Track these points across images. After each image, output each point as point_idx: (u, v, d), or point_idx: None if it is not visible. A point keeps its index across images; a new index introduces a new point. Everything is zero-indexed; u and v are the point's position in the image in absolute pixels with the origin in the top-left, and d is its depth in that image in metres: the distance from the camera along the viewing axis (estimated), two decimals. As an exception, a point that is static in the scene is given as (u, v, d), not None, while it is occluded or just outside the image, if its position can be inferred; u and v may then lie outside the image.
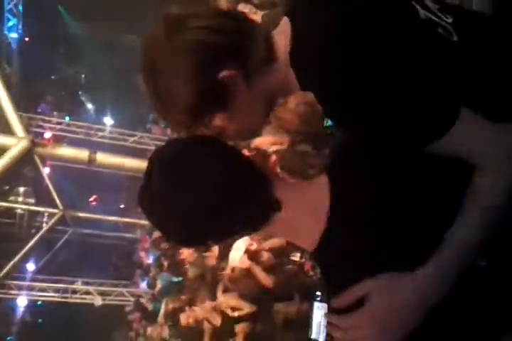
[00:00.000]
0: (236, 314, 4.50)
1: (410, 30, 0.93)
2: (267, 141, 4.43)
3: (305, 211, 0.99)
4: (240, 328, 4.46)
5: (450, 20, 1.00)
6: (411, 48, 0.90)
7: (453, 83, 0.92)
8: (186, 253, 6.08)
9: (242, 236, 1.03)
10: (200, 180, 0.92)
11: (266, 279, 4.26)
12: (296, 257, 4.11)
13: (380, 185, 0.96)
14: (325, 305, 2.47)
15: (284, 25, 0.99)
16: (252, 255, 4.31)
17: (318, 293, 2.55)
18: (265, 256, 4.33)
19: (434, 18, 0.98)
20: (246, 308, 4.45)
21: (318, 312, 2.57)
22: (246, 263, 4.30)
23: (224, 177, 0.93)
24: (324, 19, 0.92)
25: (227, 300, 4.72)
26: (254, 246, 4.27)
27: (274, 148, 4.60)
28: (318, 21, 0.93)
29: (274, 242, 4.27)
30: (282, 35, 0.97)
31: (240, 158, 0.99)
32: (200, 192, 0.91)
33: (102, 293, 10.64)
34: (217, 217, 0.93)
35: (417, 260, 0.88)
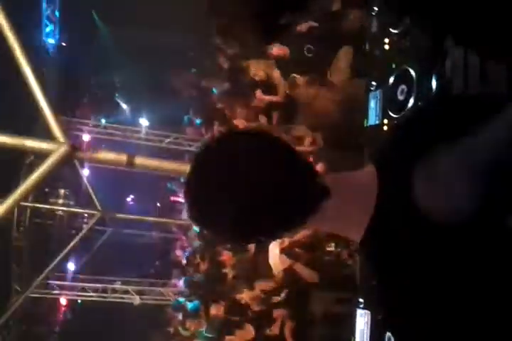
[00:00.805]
0: (275, 299, 4.51)
1: None
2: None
3: (353, 199, 0.96)
4: (277, 313, 4.46)
5: None
6: None
7: None
8: (226, 255, 6.13)
9: (294, 228, 1.00)
10: (251, 167, 0.91)
11: (310, 275, 4.23)
12: (332, 247, 4.07)
13: None
14: (368, 312, 2.41)
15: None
16: (289, 252, 4.31)
17: (360, 300, 2.45)
18: (301, 252, 4.32)
19: None
20: (283, 292, 4.45)
21: (361, 319, 2.43)
22: (287, 262, 4.29)
23: (273, 163, 0.92)
24: None
25: (264, 285, 4.73)
26: (286, 243, 4.27)
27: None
28: None
29: (302, 234, 4.25)
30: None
31: (286, 147, 0.98)
32: (252, 180, 0.90)
33: (140, 292, 10.81)
34: (270, 206, 0.90)
35: None
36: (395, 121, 2.24)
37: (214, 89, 8.32)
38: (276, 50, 4.84)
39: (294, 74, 4.41)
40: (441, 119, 1.00)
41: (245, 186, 0.91)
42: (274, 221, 0.94)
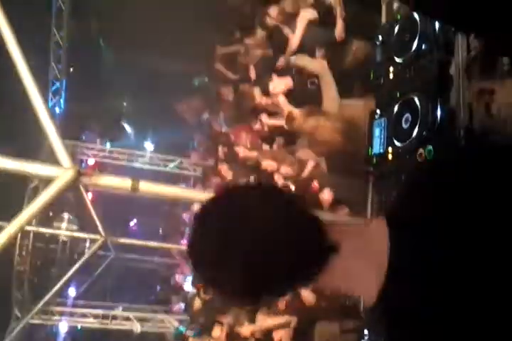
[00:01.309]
0: (274, 322, 4.45)
1: None
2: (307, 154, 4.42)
3: (362, 255, 0.94)
4: (277, 335, 4.39)
5: None
6: None
7: None
8: None
9: (299, 286, 0.97)
10: (256, 225, 0.89)
11: (308, 296, 4.18)
12: None
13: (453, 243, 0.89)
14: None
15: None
16: None
17: (365, 332, 2.40)
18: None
19: None
20: (285, 319, 4.39)
21: (367, 351, 2.38)
22: None
23: (277, 221, 0.89)
24: None
25: (264, 322, 4.68)
26: None
27: (311, 164, 4.58)
28: None
29: None
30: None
31: (291, 199, 0.96)
32: (257, 238, 0.88)
33: (141, 319, 10.67)
34: (273, 263, 0.87)
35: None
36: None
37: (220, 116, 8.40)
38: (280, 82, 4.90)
39: (290, 109, 4.47)
40: (464, 176, 0.96)
41: (252, 244, 0.89)
42: (284, 279, 0.92)
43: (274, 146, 5.87)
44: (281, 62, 5.32)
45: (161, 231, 13.49)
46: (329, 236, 0.93)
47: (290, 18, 5.05)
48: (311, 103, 4.33)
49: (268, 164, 5.21)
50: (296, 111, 4.22)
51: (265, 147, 6.11)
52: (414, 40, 2.26)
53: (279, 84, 5.00)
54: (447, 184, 0.98)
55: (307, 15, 4.67)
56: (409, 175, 1.10)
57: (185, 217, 9.51)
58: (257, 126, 6.04)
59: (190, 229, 0.95)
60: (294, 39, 4.88)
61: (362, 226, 1.02)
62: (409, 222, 0.95)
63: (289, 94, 4.93)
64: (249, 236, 0.88)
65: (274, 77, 5.13)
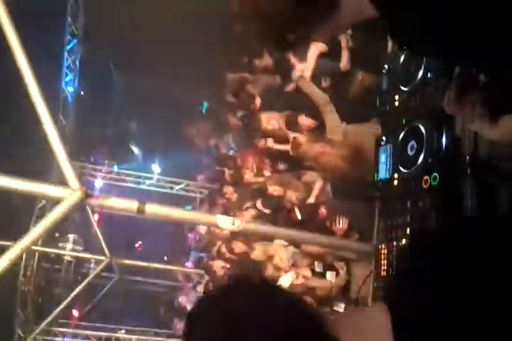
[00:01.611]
0: None
1: None
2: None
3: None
4: None
5: None
6: None
7: None
8: None
9: None
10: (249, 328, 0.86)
11: None
12: (340, 308, 3.98)
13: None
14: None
15: None
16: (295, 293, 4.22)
17: None
18: (308, 300, 4.22)
19: None
20: None
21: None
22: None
23: (272, 323, 0.87)
24: None
25: None
26: (300, 281, 4.18)
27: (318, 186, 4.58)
28: None
29: (321, 284, 4.17)
30: None
31: (288, 299, 0.95)
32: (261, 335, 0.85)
33: (143, 343, 10.56)
34: None
35: None
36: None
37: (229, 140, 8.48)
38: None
39: (295, 134, 4.51)
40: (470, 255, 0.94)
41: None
42: None
43: (281, 166, 5.90)
44: (290, 88, 5.41)
45: (166, 257, 13.39)
46: (330, 333, 0.90)
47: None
48: (317, 129, 4.39)
49: (274, 189, 5.24)
50: (302, 137, 4.27)
51: (271, 168, 6.16)
52: (419, 70, 2.31)
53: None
54: (452, 270, 0.94)
55: (318, 48, 4.72)
56: (406, 260, 1.05)
57: (191, 237, 9.47)
58: (262, 147, 6.12)
59: (184, 328, 0.93)
60: (306, 72, 4.91)
61: (362, 312, 1.01)
62: (413, 313, 0.92)
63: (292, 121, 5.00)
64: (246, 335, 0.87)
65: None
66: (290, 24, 1.16)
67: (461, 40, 1.01)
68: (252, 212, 5.85)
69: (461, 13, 0.95)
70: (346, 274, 4.04)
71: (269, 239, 4.99)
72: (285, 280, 4.22)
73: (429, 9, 0.97)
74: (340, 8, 1.15)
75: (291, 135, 4.65)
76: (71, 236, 11.51)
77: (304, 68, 4.96)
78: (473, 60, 1.12)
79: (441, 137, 2.12)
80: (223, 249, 6.64)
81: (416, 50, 1.30)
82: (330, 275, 4.24)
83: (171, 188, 11.67)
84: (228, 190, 7.82)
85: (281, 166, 5.99)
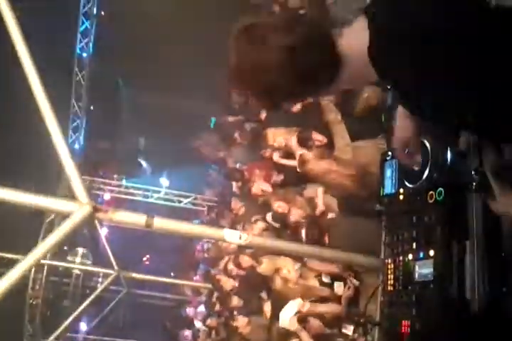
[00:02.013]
0: None
1: None
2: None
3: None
4: None
5: None
6: None
7: None
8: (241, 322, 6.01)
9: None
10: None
11: (314, 323, 4.09)
12: (349, 331, 3.95)
13: None
14: None
15: None
16: (302, 318, 4.20)
17: None
18: (316, 323, 4.20)
19: None
20: None
21: None
22: (294, 325, 4.18)
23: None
24: None
25: None
26: (306, 307, 4.17)
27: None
28: None
29: (330, 308, 4.15)
30: None
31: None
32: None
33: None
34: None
35: None
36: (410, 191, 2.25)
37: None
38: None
39: (301, 151, 4.53)
40: None
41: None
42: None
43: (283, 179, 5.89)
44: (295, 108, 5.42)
45: (172, 273, 13.38)
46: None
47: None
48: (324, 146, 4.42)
49: (279, 205, 5.27)
50: (308, 154, 4.29)
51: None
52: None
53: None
54: None
55: None
56: None
57: (199, 249, 9.44)
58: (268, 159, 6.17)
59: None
60: None
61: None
62: None
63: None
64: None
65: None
66: (288, 97, 1.33)
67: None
68: (261, 225, 5.86)
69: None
70: (355, 285, 4.03)
71: (276, 253, 4.99)
72: (292, 308, 4.21)
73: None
74: (340, 81, 1.28)
75: (298, 152, 4.66)
76: (80, 250, 11.56)
77: None
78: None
79: (446, 152, 2.13)
80: (230, 266, 6.66)
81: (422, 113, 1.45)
82: (337, 285, 4.23)
83: (179, 202, 11.71)
84: (236, 203, 7.85)
85: (283, 180, 6.00)
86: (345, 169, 3.74)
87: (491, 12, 1.17)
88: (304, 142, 4.85)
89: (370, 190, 3.18)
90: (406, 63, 1.12)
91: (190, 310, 10.26)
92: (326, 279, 4.30)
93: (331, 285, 4.26)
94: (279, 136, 5.37)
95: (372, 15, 1.19)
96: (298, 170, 4.49)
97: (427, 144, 2.24)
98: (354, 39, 1.22)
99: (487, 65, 1.08)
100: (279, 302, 4.62)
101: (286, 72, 1.20)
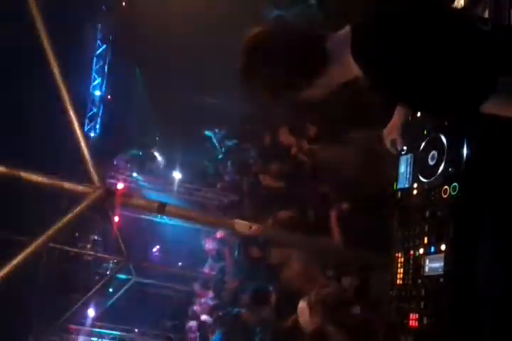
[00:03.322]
0: None
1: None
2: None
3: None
4: None
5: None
6: None
7: None
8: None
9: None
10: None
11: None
12: (357, 311, 3.94)
13: None
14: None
15: None
16: (315, 311, 4.18)
17: None
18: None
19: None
20: None
21: None
22: (316, 321, 4.18)
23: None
24: None
25: None
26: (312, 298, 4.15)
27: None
28: None
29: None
30: None
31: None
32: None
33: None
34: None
35: None
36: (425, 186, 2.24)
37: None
38: None
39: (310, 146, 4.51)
40: None
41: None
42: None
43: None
44: None
45: (180, 263, 13.44)
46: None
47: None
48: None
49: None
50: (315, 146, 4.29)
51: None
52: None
53: None
54: None
55: None
56: None
57: (208, 243, 9.46)
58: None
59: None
60: None
61: None
62: None
63: None
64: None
65: None
66: (283, 84, 1.56)
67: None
68: (271, 219, 5.87)
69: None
70: (363, 279, 4.02)
71: (287, 245, 4.99)
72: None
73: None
74: (328, 71, 1.55)
75: (305, 144, 4.63)
76: (91, 237, 11.67)
77: None
78: None
79: (463, 147, 2.12)
80: None
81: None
82: (344, 280, 4.21)
83: (191, 194, 11.76)
84: (246, 198, 7.89)
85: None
86: (353, 156, 3.75)
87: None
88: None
89: (377, 179, 3.19)
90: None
91: (197, 307, 10.29)
92: (332, 274, 4.28)
93: (338, 280, 4.25)
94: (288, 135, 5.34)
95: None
96: (306, 161, 4.46)
97: (443, 139, 2.24)
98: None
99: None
100: (287, 292, 4.64)
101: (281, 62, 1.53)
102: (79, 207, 3.22)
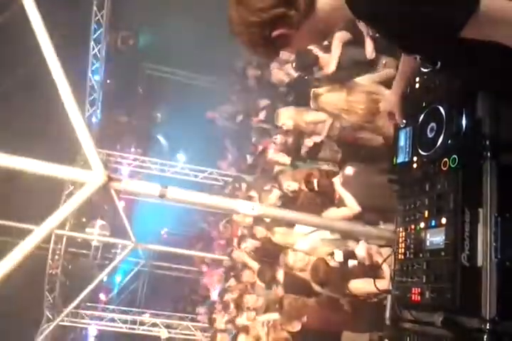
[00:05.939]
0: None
1: None
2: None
3: None
4: None
5: None
6: None
7: None
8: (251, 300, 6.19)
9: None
10: None
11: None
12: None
13: None
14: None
15: None
16: None
17: None
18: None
19: None
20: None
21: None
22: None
23: None
24: None
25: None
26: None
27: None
28: None
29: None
30: None
31: None
32: None
33: (168, 326, 10.75)
34: None
35: None
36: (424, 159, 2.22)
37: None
38: None
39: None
40: None
41: None
42: None
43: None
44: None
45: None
46: None
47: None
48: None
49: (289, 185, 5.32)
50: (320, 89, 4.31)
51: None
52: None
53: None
54: None
55: (343, 36, 4.65)
56: None
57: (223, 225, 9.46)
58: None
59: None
60: (332, 61, 4.82)
61: None
62: None
63: None
64: None
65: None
66: (272, 23, 1.50)
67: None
68: (277, 192, 5.87)
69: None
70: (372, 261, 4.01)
71: (289, 223, 5.00)
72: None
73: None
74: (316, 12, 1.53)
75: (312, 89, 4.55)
76: (98, 222, 11.74)
77: (328, 59, 4.88)
78: None
79: (462, 119, 2.08)
80: (243, 244, 6.81)
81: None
82: (352, 263, 4.19)
83: (196, 176, 11.76)
84: (248, 177, 7.90)
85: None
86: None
87: None
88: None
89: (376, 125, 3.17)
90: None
91: (206, 285, 10.38)
92: (338, 257, 4.27)
93: (345, 264, 4.24)
94: (289, 119, 5.29)
95: None
96: (312, 106, 4.42)
97: (442, 111, 2.20)
98: None
99: None
100: (291, 277, 4.68)
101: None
102: (81, 195, 3.21)
